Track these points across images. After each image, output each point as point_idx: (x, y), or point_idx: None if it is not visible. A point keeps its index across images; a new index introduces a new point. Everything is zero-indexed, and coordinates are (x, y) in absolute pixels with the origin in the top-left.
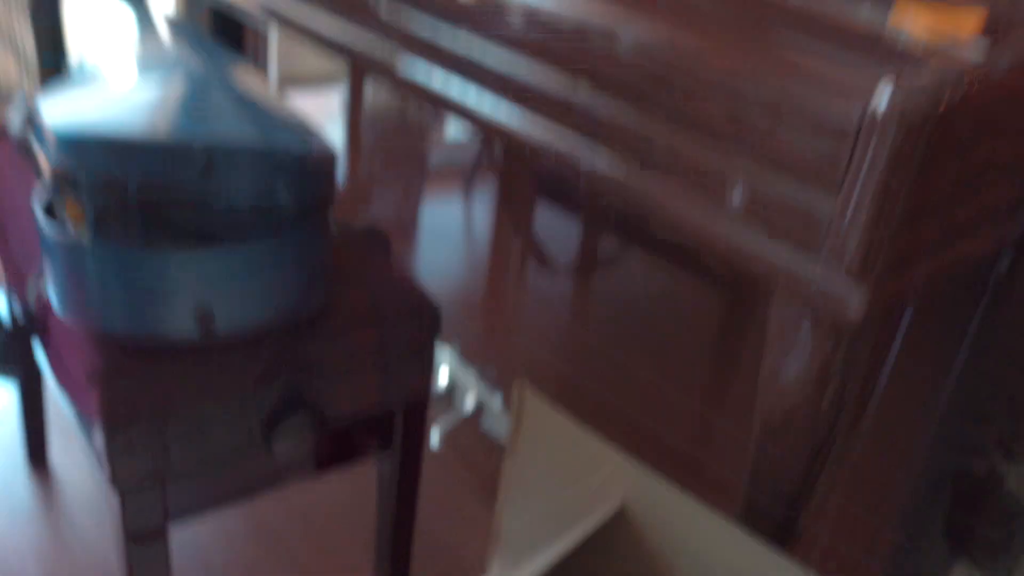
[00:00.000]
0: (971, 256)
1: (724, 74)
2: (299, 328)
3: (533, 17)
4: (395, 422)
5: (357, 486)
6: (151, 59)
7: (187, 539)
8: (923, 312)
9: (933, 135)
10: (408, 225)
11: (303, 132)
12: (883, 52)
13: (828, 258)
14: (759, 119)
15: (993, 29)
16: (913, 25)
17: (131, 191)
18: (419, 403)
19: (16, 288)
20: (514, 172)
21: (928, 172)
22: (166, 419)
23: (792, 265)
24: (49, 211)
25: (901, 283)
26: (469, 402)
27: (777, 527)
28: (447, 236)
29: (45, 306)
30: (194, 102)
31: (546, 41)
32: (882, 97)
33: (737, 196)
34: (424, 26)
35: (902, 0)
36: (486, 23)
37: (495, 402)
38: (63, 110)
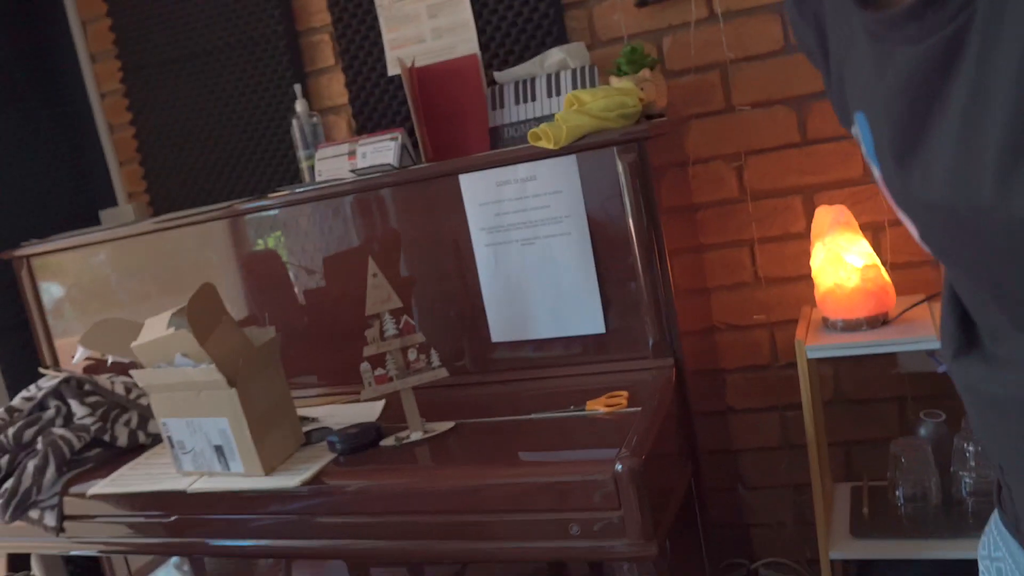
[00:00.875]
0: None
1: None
2: None
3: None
4: None
5: None
6: None
7: None
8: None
9: (643, 476)
10: None
11: None
12: (600, 431)
13: (631, 538)
14: (579, 499)
15: (634, 403)
16: (598, 406)
17: None
18: None
19: None
20: None
21: (650, 488)
22: None
23: (612, 547)
24: None
25: (662, 536)
26: None
27: None
28: None
29: None
30: None
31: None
32: (619, 465)
33: (574, 528)
34: None
35: (591, 401)
36: None
37: None
38: None
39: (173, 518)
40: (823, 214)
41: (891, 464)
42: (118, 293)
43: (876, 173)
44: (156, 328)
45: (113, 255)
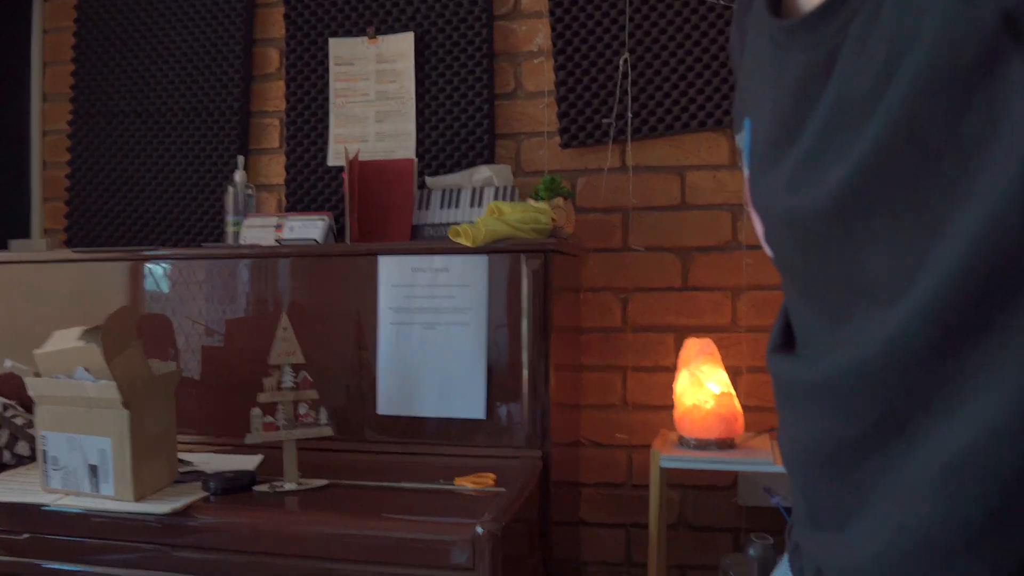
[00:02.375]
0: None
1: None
2: None
3: None
4: None
5: None
6: None
7: None
8: None
9: (500, 542)
10: None
11: None
12: (465, 503)
13: None
14: (437, 558)
15: (502, 483)
16: (465, 483)
17: None
18: None
19: None
20: None
21: (504, 558)
22: None
23: None
24: None
25: None
26: None
27: None
28: None
29: None
30: None
31: None
32: (480, 528)
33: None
34: None
35: (459, 479)
36: None
37: None
38: None
39: (24, 536)
40: (692, 345)
41: None
42: (15, 317)
43: (745, 174)
44: (65, 340)
45: (17, 278)
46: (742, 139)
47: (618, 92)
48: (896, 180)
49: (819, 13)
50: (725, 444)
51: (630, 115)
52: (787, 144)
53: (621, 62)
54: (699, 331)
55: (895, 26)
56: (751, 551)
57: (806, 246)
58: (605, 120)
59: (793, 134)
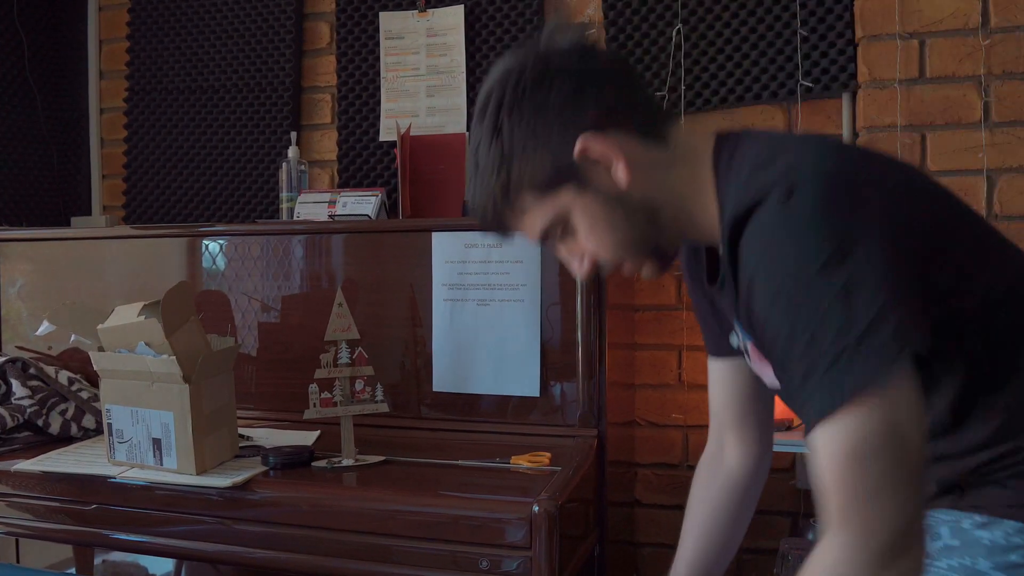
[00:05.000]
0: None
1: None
2: None
3: None
4: None
5: None
6: None
7: None
8: None
9: (557, 521)
10: None
11: None
12: (521, 481)
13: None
14: (493, 535)
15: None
16: (521, 461)
17: None
18: None
19: None
20: None
21: (561, 536)
22: None
23: None
24: None
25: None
26: None
27: None
28: None
29: None
30: None
31: None
32: (536, 507)
33: (484, 562)
34: None
35: (515, 457)
36: None
37: None
38: None
39: (93, 506)
40: None
41: (778, 562)
42: (75, 292)
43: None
44: (126, 315)
45: (78, 255)
46: (737, 331)
47: (671, 64)
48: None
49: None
50: (783, 425)
51: (683, 88)
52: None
53: (674, 33)
54: None
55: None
56: (810, 535)
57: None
58: (658, 93)
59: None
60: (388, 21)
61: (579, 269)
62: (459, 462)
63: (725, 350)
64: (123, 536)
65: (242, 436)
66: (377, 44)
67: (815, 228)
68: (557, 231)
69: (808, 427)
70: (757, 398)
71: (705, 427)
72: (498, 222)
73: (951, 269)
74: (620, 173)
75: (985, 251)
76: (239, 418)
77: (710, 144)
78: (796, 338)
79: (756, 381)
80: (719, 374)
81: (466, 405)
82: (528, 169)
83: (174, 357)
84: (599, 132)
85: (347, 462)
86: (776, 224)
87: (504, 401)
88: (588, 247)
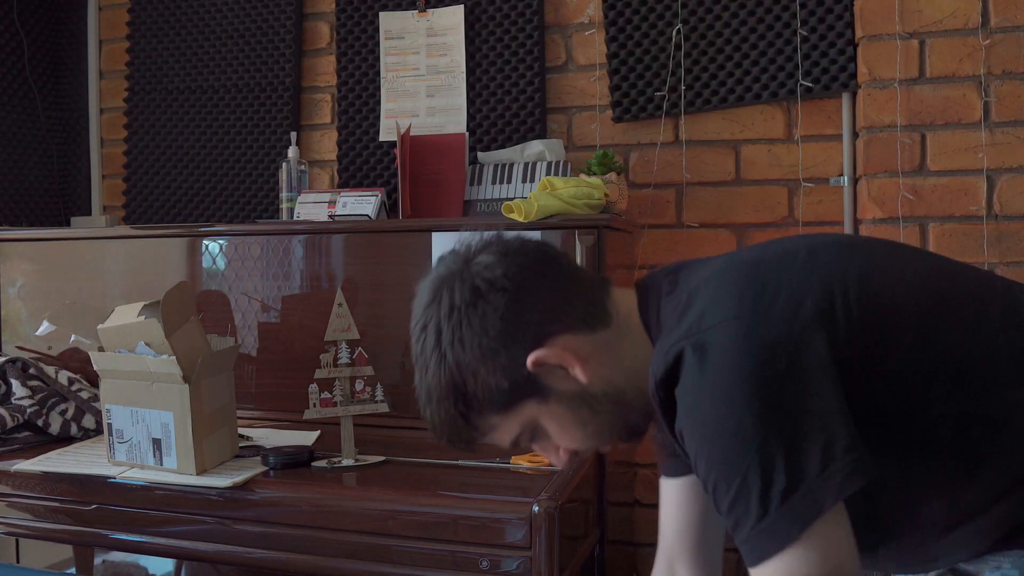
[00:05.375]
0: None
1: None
2: None
3: None
4: None
5: None
6: None
7: None
8: None
9: (557, 522)
10: None
11: None
12: (521, 481)
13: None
14: (493, 535)
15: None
16: (521, 462)
17: None
18: None
19: None
20: None
21: (560, 537)
22: None
23: None
24: None
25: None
26: None
27: None
28: None
29: None
30: None
31: None
32: (536, 507)
33: (484, 562)
34: None
35: (515, 457)
36: None
37: None
38: None
39: (93, 506)
40: None
41: None
42: (75, 292)
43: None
44: (126, 315)
45: (78, 255)
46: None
47: (671, 64)
48: None
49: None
50: None
51: (683, 88)
52: None
53: (674, 33)
54: None
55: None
56: None
57: None
58: (658, 93)
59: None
60: (388, 21)
61: (557, 461)
62: (459, 462)
63: (682, 470)
64: (123, 536)
65: (242, 436)
66: (377, 44)
67: (729, 389)
68: (527, 436)
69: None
70: (712, 524)
71: None
72: (465, 442)
73: (890, 379)
74: (578, 374)
75: (929, 336)
76: (239, 418)
77: (635, 305)
78: (721, 494)
79: (709, 506)
80: (674, 494)
81: None
82: (485, 393)
83: (174, 357)
84: (546, 339)
85: (347, 462)
86: (694, 387)
87: None
88: (562, 444)
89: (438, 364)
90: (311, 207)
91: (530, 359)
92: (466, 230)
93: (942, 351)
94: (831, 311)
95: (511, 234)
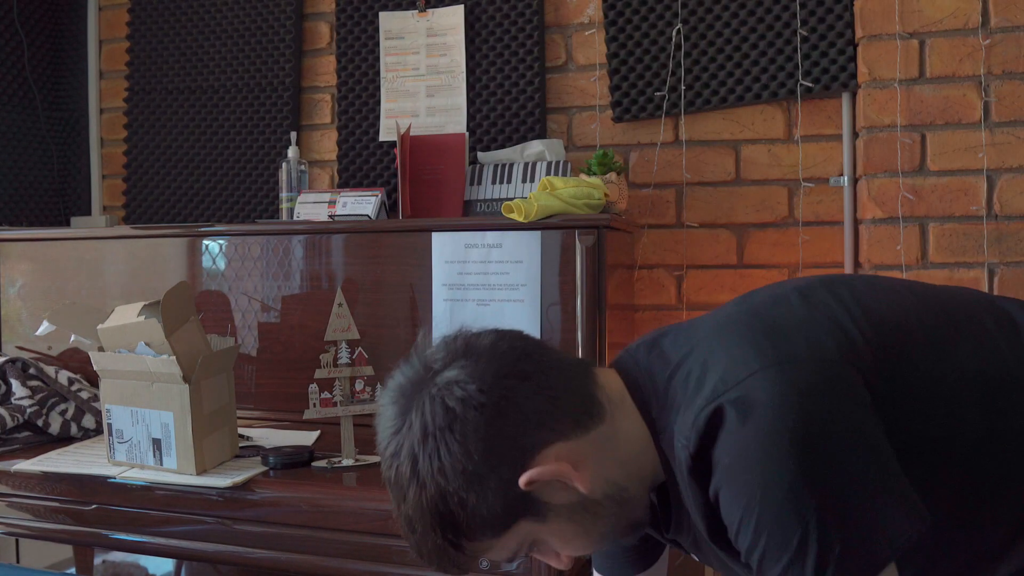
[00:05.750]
0: None
1: None
2: None
3: None
4: None
5: None
6: None
7: None
8: None
9: None
10: None
11: None
12: None
13: None
14: None
15: None
16: None
17: None
18: None
19: None
20: None
21: None
22: None
23: None
24: None
25: None
26: None
27: None
28: None
29: None
30: None
31: None
32: None
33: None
34: None
35: None
36: None
37: None
38: None
39: (93, 507)
40: None
41: None
42: (75, 292)
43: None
44: (125, 315)
45: (78, 255)
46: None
47: (671, 64)
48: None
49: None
50: None
51: (683, 88)
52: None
53: (674, 33)
54: None
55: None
56: None
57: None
58: (658, 93)
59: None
60: (388, 21)
61: (558, 565)
62: None
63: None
64: (123, 536)
65: (242, 436)
66: (377, 44)
67: (778, 447)
68: (525, 550)
69: None
70: None
71: None
72: (457, 568)
73: (921, 401)
74: (577, 484)
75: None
76: (239, 418)
77: (622, 385)
78: (771, 560)
79: None
80: None
81: None
82: (475, 520)
83: (174, 357)
84: (537, 452)
85: (347, 462)
86: (739, 445)
87: None
88: (564, 552)
89: (418, 495)
90: (311, 207)
91: (522, 480)
92: (466, 230)
93: (958, 366)
94: (851, 343)
95: (475, 331)
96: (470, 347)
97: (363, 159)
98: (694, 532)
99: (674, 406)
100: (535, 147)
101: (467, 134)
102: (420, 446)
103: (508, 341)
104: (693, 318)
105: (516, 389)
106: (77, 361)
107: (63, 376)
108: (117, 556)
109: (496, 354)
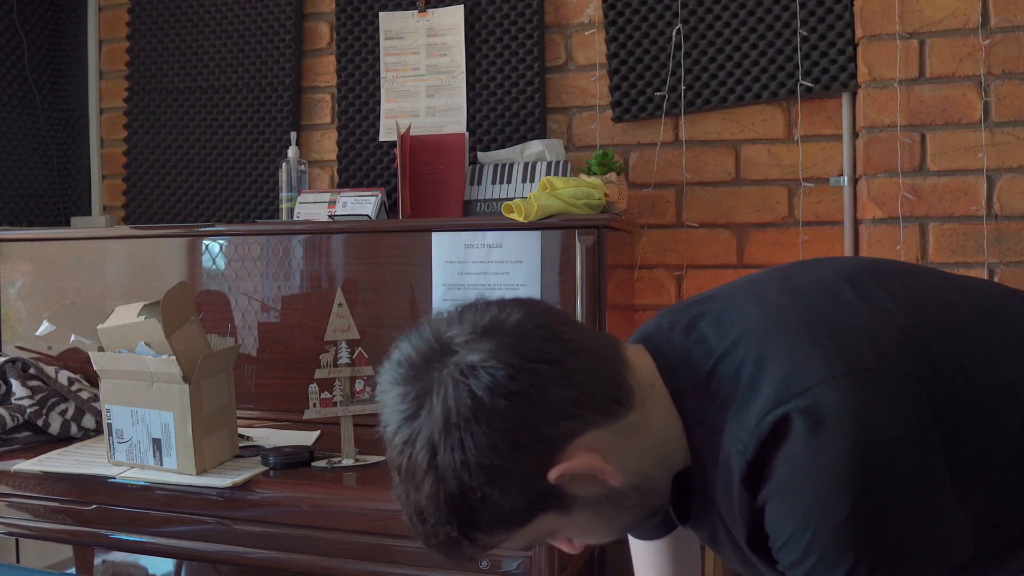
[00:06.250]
0: None
1: None
2: None
3: None
4: None
5: None
6: None
7: None
8: None
9: None
10: None
11: None
12: None
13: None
14: None
15: None
16: None
17: None
18: None
19: None
20: None
21: None
22: None
23: None
24: None
25: None
26: None
27: None
28: None
29: None
30: None
31: None
32: None
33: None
34: None
35: None
36: None
37: None
38: None
39: (93, 506)
40: None
41: None
42: (75, 292)
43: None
44: (125, 315)
45: (78, 255)
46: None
47: (671, 64)
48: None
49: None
50: None
51: (683, 88)
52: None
53: (674, 33)
54: None
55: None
56: None
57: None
58: (658, 93)
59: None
60: (388, 21)
61: (571, 550)
62: None
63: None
64: (123, 536)
65: (242, 436)
66: (377, 44)
67: (846, 466)
68: (541, 540)
69: None
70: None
71: None
72: (465, 559)
73: (977, 410)
74: (608, 478)
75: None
76: (239, 418)
77: (653, 367)
78: None
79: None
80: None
81: None
82: (495, 515)
83: (174, 357)
84: (566, 443)
85: (347, 462)
86: (805, 457)
87: None
88: (580, 541)
89: (434, 487)
90: (311, 207)
91: (552, 474)
92: (466, 230)
93: (1007, 375)
94: (914, 351)
95: (497, 304)
96: (495, 325)
97: (363, 159)
98: (714, 526)
99: (719, 400)
100: (535, 147)
101: (467, 134)
102: (441, 436)
103: (535, 318)
104: (727, 291)
105: (546, 375)
106: (77, 361)
107: (63, 376)
108: (117, 556)
109: (523, 334)
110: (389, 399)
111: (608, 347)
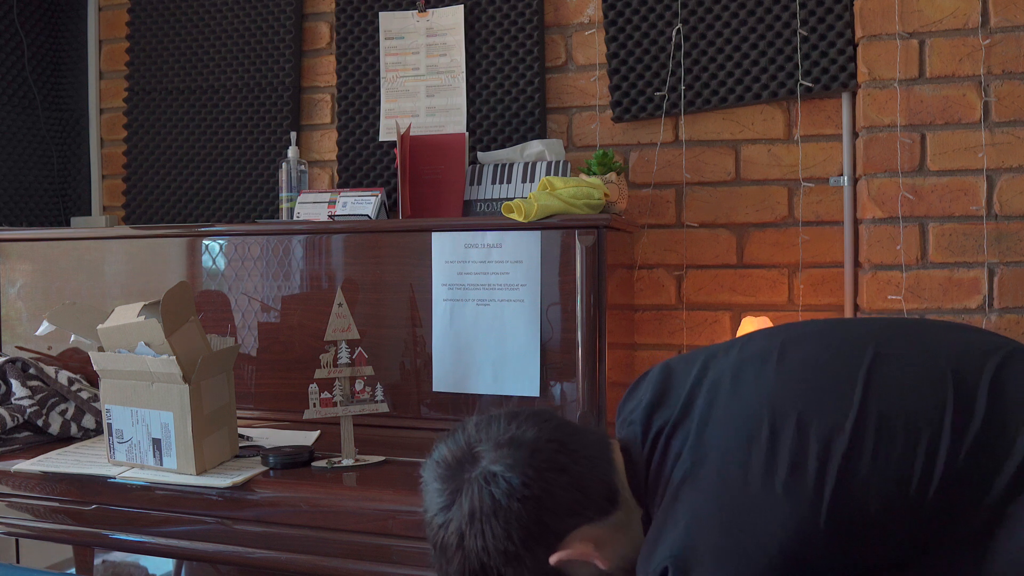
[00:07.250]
0: None
1: None
2: None
3: None
4: None
5: None
6: None
7: None
8: None
9: None
10: None
11: None
12: None
13: None
14: None
15: None
16: None
17: None
18: None
19: None
20: None
21: None
22: None
23: None
24: None
25: None
26: None
27: None
28: None
29: None
30: None
31: None
32: None
33: None
34: None
35: None
36: None
37: None
38: None
39: (93, 507)
40: (749, 323)
41: None
42: (75, 292)
43: None
44: (126, 315)
45: (78, 255)
46: None
47: (671, 64)
48: None
49: None
50: None
51: (683, 88)
52: None
53: (674, 33)
54: (755, 309)
55: None
56: None
57: None
58: (658, 93)
59: None
60: (388, 21)
61: None
62: None
63: None
64: (123, 536)
65: (242, 436)
66: (377, 44)
67: None
68: None
69: None
70: None
71: None
72: None
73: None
74: (599, 564)
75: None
76: (239, 418)
77: (625, 479)
78: None
79: None
80: None
81: (466, 405)
82: None
83: (174, 357)
84: (567, 535)
85: (347, 462)
86: None
87: (504, 401)
88: None
89: (461, 563)
90: (311, 207)
91: (553, 559)
92: (466, 230)
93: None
94: (810, 540)
95: (516, 418)
96: (513, 440)
97: (363, 159)
98: None
99: (654, 520)
100: (535, 147)
101: (467, 134)
102: (467, 526)
103: (548, 432)
104: (711, 398)
105: (554, 482)
106: (77, 361)
107: (63, 376)
108: (117, 556)
109: (537, 447)
110: (429, 491)
111: (601, 451)
